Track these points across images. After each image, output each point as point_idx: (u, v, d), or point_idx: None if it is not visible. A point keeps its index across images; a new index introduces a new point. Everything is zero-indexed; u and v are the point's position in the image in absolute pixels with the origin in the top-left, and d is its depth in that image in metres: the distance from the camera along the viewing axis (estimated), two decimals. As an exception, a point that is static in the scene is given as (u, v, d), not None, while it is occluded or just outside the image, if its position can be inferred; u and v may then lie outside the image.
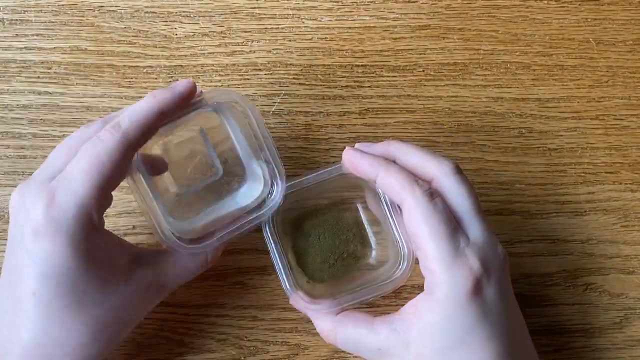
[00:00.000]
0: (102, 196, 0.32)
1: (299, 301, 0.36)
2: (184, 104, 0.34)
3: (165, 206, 0.35)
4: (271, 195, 0.36)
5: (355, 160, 0.35)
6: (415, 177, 0.33)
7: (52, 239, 0.31)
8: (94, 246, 0.32)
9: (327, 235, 0.39)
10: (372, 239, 0.40)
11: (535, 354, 0.35)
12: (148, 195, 0.34)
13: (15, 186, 0.42)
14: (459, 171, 0.34)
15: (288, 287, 0.36)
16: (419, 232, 0.32)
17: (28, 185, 0.32)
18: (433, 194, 0.33)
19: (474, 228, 0.33)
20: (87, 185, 0.31)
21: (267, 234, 0.36)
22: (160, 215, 0.34)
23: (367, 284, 0.36)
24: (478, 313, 0.31)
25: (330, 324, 0.35)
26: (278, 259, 0.36)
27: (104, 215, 0.33)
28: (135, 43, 0.43)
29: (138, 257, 0.35)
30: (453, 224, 0.32)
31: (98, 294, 0.32)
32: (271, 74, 0.43)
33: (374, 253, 0.40)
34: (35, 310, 0.31)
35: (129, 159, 0.33)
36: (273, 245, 0.36)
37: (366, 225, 0.40)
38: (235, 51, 0.43)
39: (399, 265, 0.35)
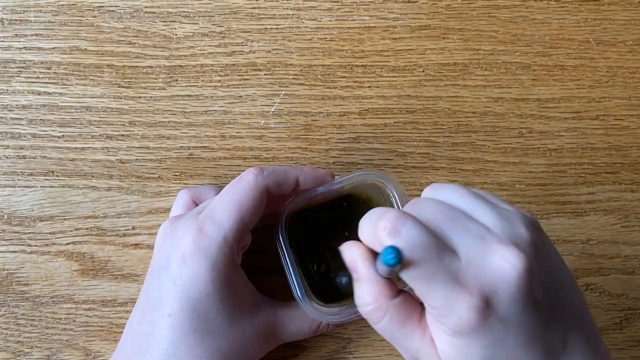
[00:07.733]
0: (242, 230, 0.35)
1: (310, 311, 0.36)
2: (319, 181, 0.37)
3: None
4: None
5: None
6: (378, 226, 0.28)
7: (198, 264, 0.34)
8: (230, 279, 0.35)
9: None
10: None
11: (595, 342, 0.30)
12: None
13: (15, 186, 0.42)
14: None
15: (300, 296, 0.36)
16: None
17: (180, 217, 0.36)
18: (395, 229, 0.27)
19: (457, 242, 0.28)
20: (231, 218, 0.34)
21: (280, 241, 0.37)
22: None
23: None
24: (494, 335, 0.27)
25: (381, 302, 0.29)
26: (290, 268, 0.36)
27: None
28: (134, 43, 0.43)
29: (261, 302, 0.37)
30: (434, 244, 0.27)
31: (225, 326, 0.34)
32: (271, 74, 0.43)
33: None
34: (168, 331, 0.34)
35: (264, 199, 0.35)
36: (286, 253, 0.36)
37: None
38: (234, 51, 0.43)
39: None
